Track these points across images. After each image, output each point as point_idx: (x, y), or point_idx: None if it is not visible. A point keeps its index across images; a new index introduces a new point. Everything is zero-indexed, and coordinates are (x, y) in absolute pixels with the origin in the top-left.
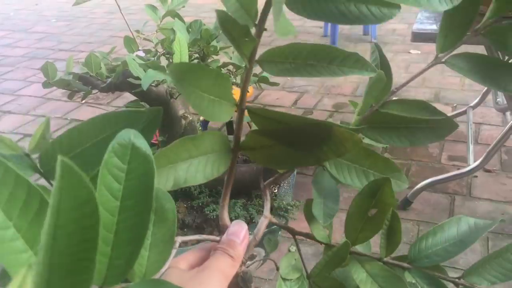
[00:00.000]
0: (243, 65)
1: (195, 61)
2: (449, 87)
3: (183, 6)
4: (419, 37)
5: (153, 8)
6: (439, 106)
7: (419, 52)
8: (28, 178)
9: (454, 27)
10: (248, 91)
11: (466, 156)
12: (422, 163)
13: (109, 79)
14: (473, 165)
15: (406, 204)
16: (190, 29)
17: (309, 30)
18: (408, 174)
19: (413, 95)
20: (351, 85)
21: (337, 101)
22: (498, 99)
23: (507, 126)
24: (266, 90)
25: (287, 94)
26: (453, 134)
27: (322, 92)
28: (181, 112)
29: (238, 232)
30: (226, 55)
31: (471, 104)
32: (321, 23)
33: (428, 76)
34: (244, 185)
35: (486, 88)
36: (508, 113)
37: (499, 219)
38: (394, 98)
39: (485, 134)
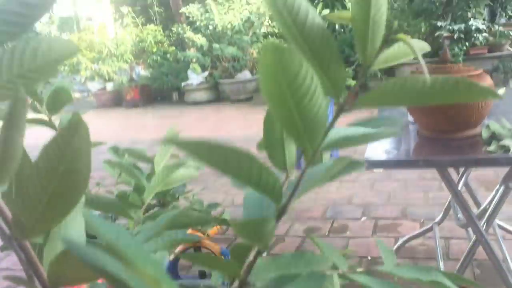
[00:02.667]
0: (204, 208)
1: (156, 208)
2: (415, 202)
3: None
4: (373, 164)
5: (110, 163)
6: (407, 223)
7: (381, 170)
8: None
9: None
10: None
11: None
12: None
13: None
14: None
15: None
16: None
17: None
18: None
19: (381, 213)
20: (321, 207)
21: (308, 225)
22: (459, 215)
23: (471, 241)
24: None
25: None
26: (425, 252)
27: (292, 217)
28: None
29: None
30: (186, 200)
31: (436, 220)
32: None
33: (393, 193)
34: None
35: (447, 203)
36: (470, 229)
37: None
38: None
39: (455, 248)
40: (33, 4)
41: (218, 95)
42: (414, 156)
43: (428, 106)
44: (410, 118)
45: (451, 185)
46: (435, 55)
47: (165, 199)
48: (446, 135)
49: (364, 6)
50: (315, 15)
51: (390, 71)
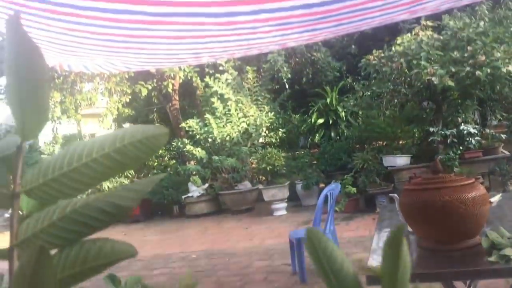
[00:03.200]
0: None
1: None
2: None
3: None
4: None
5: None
6: None
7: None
8: None
9: None
10: None
11: None
12: None
13: None
14: None
15: None
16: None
17: (277, 269)
18: None
19: None
20: None
21: None
22: None
23: None
24: None
25: None
26: None
27: None
28: None
29: None
30: None
31: None
32: (288, 261)
33: None
34: None
35: None
36: None
37: None
38: None
39: None
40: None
41: (219, 207)
42: (417, 269)
43: (426, 218)
44: (410, 228)
45: None
46: (431, 160)
47: None
48: (446, 246)
49: (392, 266)
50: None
51: (388, 176)
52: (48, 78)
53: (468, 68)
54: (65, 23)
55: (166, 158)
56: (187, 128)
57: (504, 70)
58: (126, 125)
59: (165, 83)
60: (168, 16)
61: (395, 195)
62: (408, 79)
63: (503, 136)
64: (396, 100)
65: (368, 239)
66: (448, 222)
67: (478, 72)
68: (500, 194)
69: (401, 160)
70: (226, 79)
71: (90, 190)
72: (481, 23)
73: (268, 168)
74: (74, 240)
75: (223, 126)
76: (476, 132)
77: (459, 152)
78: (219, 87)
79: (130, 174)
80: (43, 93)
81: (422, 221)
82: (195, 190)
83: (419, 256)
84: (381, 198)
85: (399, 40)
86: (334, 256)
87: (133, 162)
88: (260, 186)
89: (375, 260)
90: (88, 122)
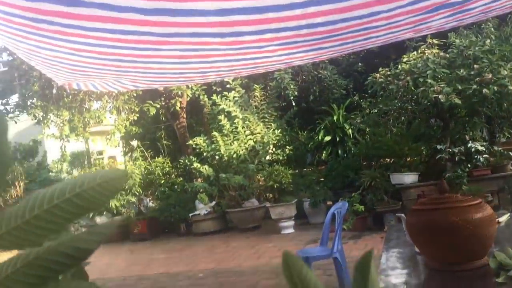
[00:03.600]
0: None
1: None
2: None
3: None
4: None
5: None
6: None
7: None
8: None
9: None
10: None
11: None
12: None
13: None
14: None
15: None
16: None
17: None
18: None
19: None
20: None
21: None
22: None
23: None
24: None
25: None
26: None
27: None
28: None
29: None
30: None
31: None
32: None
33: None
34: None
35: None
36: None
37: None
38: None
39: None
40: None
41: (226, 224)
42: None
43: (433, 238)
44: (417, 249)
45: None
46: (439, 177)
47: None
48: (454, 267)
49: None
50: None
51: (396, 194)
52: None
53: (474, 86)
54: (73, 44)
55: (173, 176)
56: (194, 146)
57: (511, 87)
58: (134, 143)
59: (172, 101)
60: (174, 37)
61: (402, 215)
62: (415, 96)
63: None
64: (403, 118)
65: (377, 259)
66: (455, 242)
67: (485, 90)
68: (509, 214)
69: (409, 178)
70: (234, 97)
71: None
72: (487, 41)
73: (275, 186)
74: (40, 285)
75: (230, 143)
76: (484, 149)
77: (467, 169)
78: (226, 105)
79: (137, 191)
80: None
81: (429, 241)
82: (202, 208)
83: (426, 277)
84: (390, 216)
85: (405, 58)
86: (308, 278)
87: (93, 206)
88: (268, 204)
89: (382, 281)
90: (96, 139)
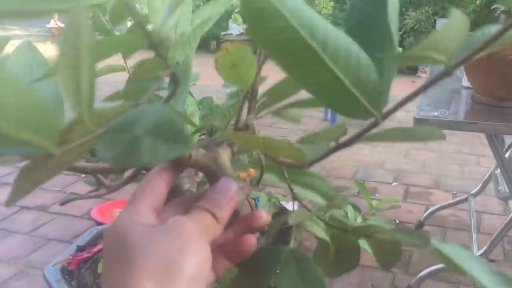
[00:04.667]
0: None
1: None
2: (449, 174)
3: (194, 84)
4: (422, 123)
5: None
6: (439, 193)
7: None
8: None
9: None
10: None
11: (469, 245)
12: (424, 251)
13: None
14: (476, 254)
15: None
16: (200, 106)
17: (308, 114)
18: (410, 261)
19: (414, 180)
20: (352, 168)
21: (338, 183)
22: (499, 187)
23: (511, 215)
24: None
25: None
26: (455, 222)
27: (323, 174)
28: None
29: (227, 191)
30: None
31: (472, 192)
32: (322, 108)
33: (428, 163)
34: None
35: (487, 176)
36: (510, 202)
37: None
38: None
39: (486, 223)
40: None
41: (256, 48)
42: (466, 119)
43: (489, 70)
44: (465, 82)
45: (499, 153)
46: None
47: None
48: (503, 102)
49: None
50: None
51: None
52: None
53: None
54: None
55: None
56: None
57: None
58: None
59: None
60: None
61: None
62: None
63: None
64: None
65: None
66: (510, 78)
67: None
68: None
69: None
70: None
71: None
72: None
73: None
74: None
75: None
76: None
77: None
78: None
79: None
80: None
81: (484, 73)
82: (236, 28)
83: (471, 109)
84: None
85: None
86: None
87: None
88: None
89: (416, 107)
90: None
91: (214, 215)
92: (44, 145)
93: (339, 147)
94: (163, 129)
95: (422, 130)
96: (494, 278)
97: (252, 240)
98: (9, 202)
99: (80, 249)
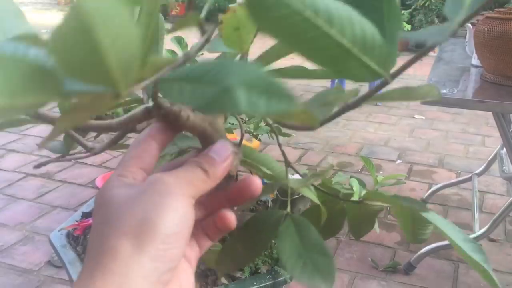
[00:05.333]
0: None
1: None
2: (453, 154)
3: (202, 54)
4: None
5: (172, 53)
6: (443, 172)
7: (423, 117)
8: None
9: None
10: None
11: (470, 224)
12: None
13: None
14: (477, 233)
15: (409, 268)
16: None
17: (314, 90)
18: None
19: (418, 159)
20: (356, 145)
21: (341, 159)
22: (504, 167)
23: None
24: (270, 145)
25: (292, 151)
26: (458, 201)
27: (326, 150)
28: None
29: (223, 150)
30: None
31: (476, 172)
32: (327, 83)
33: (432, 142)
34: None
35: (491, 156)
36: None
37: None
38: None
39: (489, 203)
40: None
41: None
42: (474, 97)
43: (500, 49)
44: (474, 61)
45: (505, 133)
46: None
47: None
48: (511, 81)
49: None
50: None
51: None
52: None
53: None
54: None
55: None
56: None
57: None
58: None
59: None
60: None
61: (468, 24)
62: None
63: None
64: None
65: (411, 78)
66: None
67: None
68: None
69: None
70: None
71: None
72: None
73: None
74: None
75: None
76: None
77: None
78: None
79: None
80: None
81: (494, 51)
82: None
83: (479, 87)
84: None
85: None
86: None
87: None
88: None
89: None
90: None
91: (205, 170)
92: (123, 84)
93: (349, 107)
94: (262, 83)
95: (422, 88)
96: (467, 244)
97: (231, 217)
98: (42, 144)
99: (85, 215)
